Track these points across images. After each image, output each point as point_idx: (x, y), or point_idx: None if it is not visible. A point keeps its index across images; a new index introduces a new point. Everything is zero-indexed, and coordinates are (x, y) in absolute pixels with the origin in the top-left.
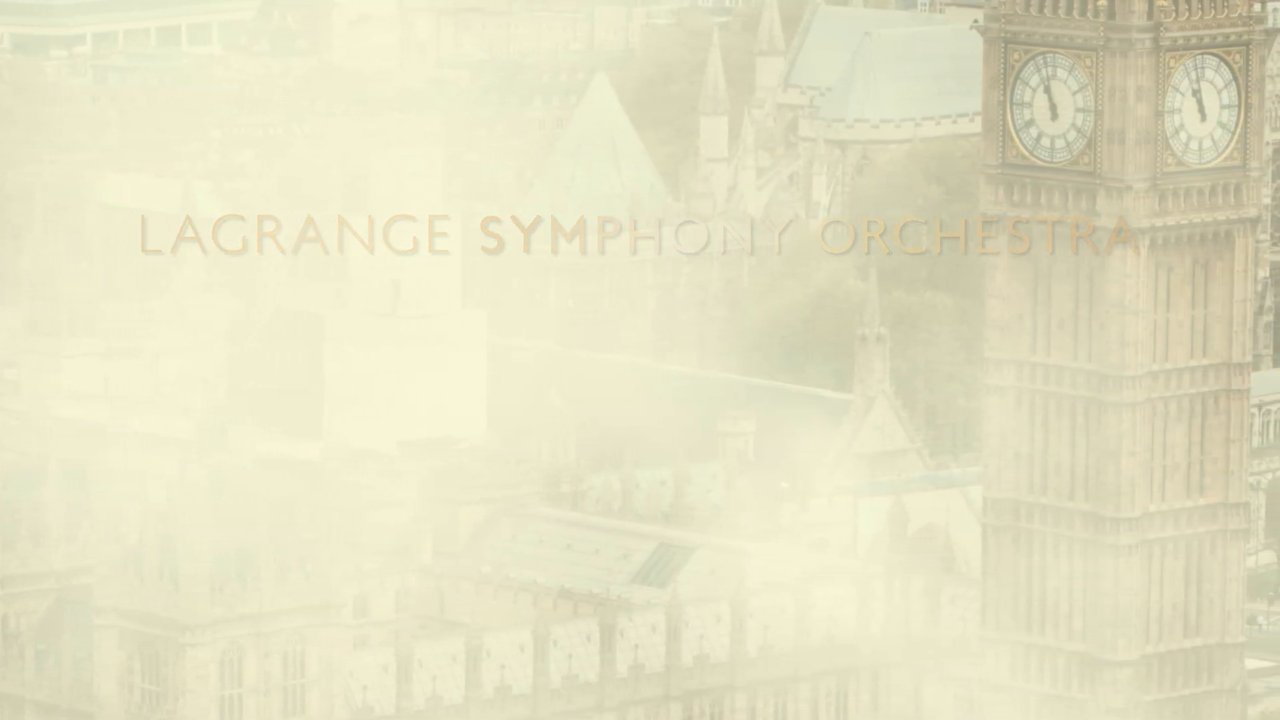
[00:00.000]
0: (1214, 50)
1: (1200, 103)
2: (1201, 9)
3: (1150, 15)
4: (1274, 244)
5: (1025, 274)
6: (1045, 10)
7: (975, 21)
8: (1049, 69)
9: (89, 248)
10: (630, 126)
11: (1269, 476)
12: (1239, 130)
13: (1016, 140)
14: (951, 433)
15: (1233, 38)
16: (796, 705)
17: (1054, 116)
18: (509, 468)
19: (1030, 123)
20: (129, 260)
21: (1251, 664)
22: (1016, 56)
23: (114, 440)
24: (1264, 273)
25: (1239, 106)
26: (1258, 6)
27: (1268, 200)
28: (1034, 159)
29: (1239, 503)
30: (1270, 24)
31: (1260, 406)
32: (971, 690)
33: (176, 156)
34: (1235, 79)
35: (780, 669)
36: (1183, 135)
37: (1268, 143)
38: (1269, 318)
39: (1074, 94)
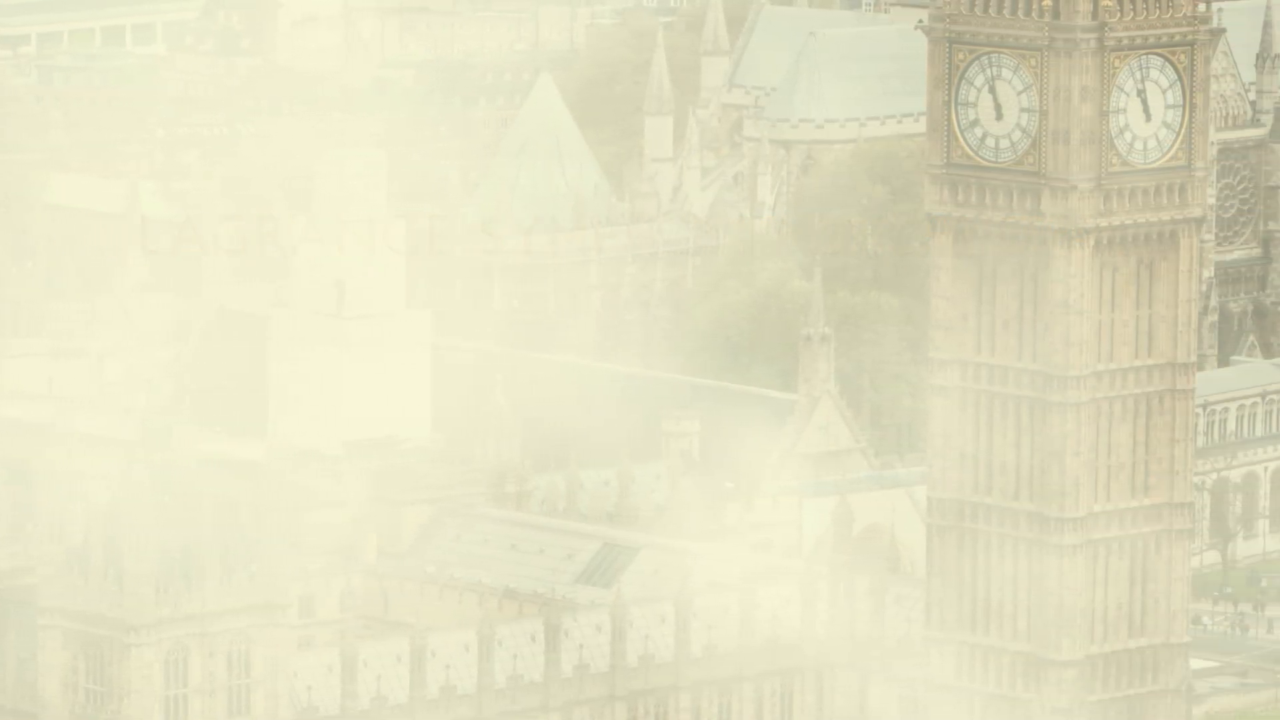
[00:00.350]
0: (1159, 50)
1: (1145, 103)
2: (1146, 9)
3: (1095, 15)
4: (1219, 244)
5: (970, 274)
6: (990, 10)
7: (920, 21)
8: (994, 69)
9: (34, 248)
10: (575, 126)
11: (1213, 476)
12: (1183, 130)
13: (961, 140)
14: (896, 433)
15: (1177, 38)
16: (741, 705)
17: (999, 116)
18: (453, 468)
19: (975, 123)
20: (74, 260)
21: (1196, 664)
22: (961, 56)
23: (58, 440)
24: (1209, 273)
25: (1183, 106)
26: (1202, 6)
27: (1212, 200)
28: (979, 159)
29: (1183, 503)
30: (1215, 24)
31: (1205, 406)
32: (916, 690)
33: (121, 157)
34: (1180, 79)
35: (725, 669)
36: (1127, 135)
37: (1212, 143)
38: (1214, 318)
39: (1019, 94)
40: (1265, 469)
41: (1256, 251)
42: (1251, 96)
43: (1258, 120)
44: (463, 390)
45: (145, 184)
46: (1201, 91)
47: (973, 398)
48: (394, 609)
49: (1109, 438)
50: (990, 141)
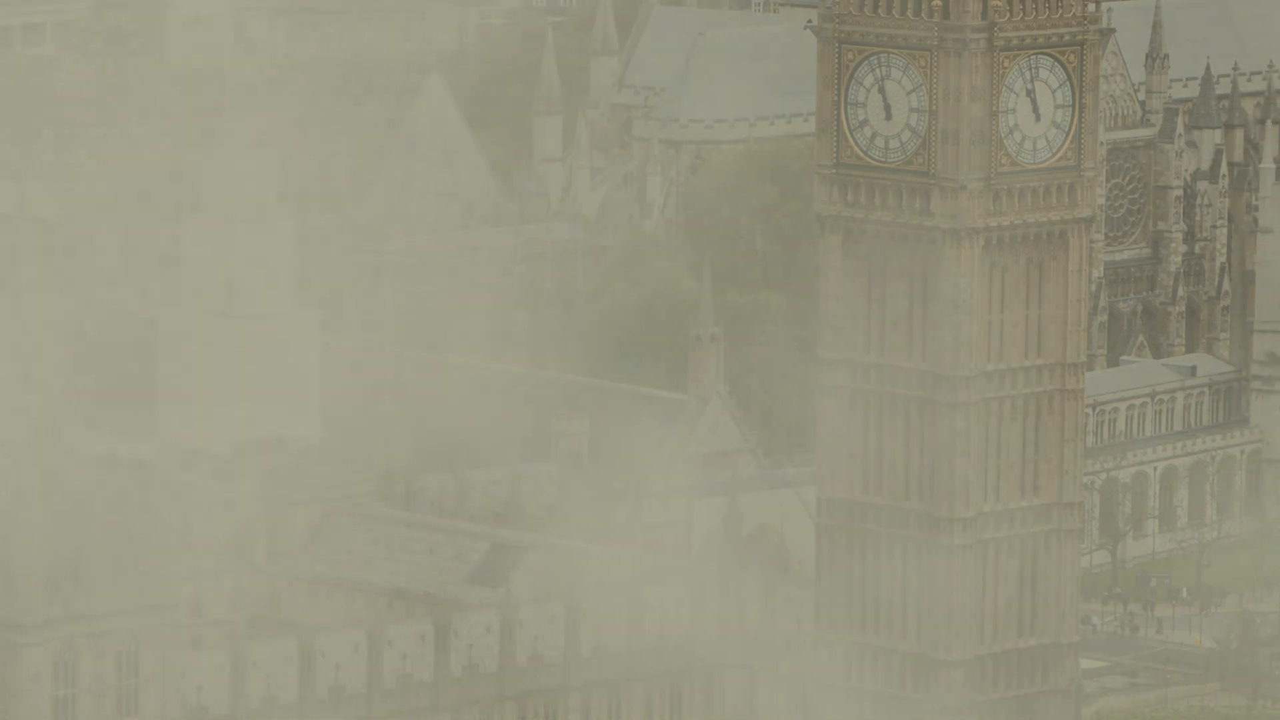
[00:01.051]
0: (1048, 50)
1: (1034, 103)
2: (1036, 9)
3: (984, 15)
4: (1108, 244)
5: (859, 274)
6: (880, 10)
7: (809, 21)
8: (883, 69)
9: None
10: (464, 126)
11: (1103, 476)
12: (1073, 130)
13: (851, 140)
14: (786, 433)
15: (1067, 37)
16: (630, 706)
17: (888, 116)
18: (343, 468)
19: (865, 123)
20: None
21: (1085, 664)
22: (851, 56)
23: None
24: (1098, 273)
25: (1073, 106)
26: (1091, 7)
27: (1102, 200)
28: (868, 159)
29: (1073, 502)
30: (1104, 24)
31: (1094, 406)
32: (806, 690)
33: (10, 157)
34: (1069, 79)
35: (614, 669)
36: (1017, 135)
37: (1102, 143)
38: (1103, 318)
39: (908, 94)
40: (1154, 469)
41: (1146, 251)
42: (1141, 96)
43: (1147, 120)
44: (352, 390)
45: (34, 184)
46: (1091, 91)
47: (862, 398)
48: (284, 609)
49: (998, 438)
50: (880, 141)
